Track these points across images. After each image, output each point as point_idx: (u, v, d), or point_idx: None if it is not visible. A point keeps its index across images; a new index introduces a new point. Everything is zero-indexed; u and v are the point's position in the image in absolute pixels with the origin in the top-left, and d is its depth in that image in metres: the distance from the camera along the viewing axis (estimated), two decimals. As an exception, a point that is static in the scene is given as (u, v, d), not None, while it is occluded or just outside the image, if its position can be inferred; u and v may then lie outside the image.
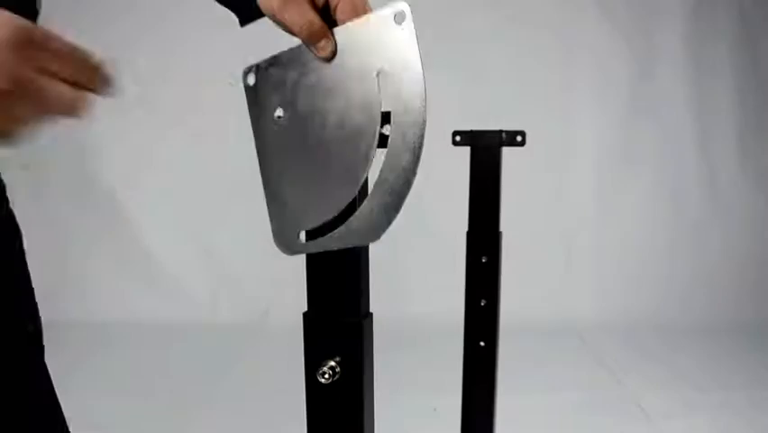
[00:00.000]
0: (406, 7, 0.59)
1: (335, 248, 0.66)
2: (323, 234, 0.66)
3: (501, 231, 1.26)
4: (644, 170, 3.34)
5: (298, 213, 0.67)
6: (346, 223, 0.64)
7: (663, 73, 3.31)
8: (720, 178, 3.37)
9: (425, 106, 0.58)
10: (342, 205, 0.64)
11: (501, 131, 1.24)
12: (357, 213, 0.63)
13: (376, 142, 0.62)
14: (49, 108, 0.47)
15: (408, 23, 0.59)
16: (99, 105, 0.52)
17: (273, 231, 0.69)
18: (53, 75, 0.46)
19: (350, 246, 0.65)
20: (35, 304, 0.79)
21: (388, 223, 0.62)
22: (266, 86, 0.67)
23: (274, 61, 0.67)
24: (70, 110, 0.48)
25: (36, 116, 0.48)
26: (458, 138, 1.27)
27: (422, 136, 0.59)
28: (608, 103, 3.32)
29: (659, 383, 2.42)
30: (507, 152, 1.26)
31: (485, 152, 1.24)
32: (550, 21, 3.26)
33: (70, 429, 0.84)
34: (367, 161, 0.62)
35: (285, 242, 0.69)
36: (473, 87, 3.19)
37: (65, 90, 0.47)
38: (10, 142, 0.48)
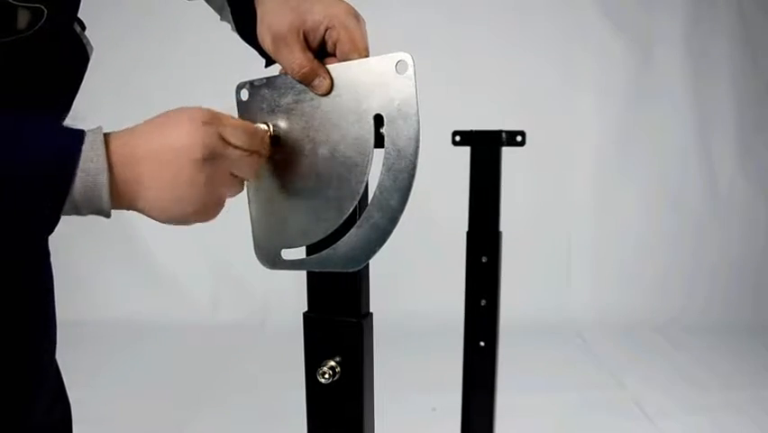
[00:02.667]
0: (408, 58, 0.60)
1: (316, 270, 0.67)
2: (305, 255, 0.67)
3: (501, 231, 1.26)
4: (644, 169, 3.34)
5: (282, 232, 0.68)
6: (329, 249, 0.65)
7: (663, 73, 3.31)
8: (720, 177, 3.37)
9: (417, 153, 0.60)
10: (327, 231, 0.65)
11: (501, 131, 1.24)
12: (340, 242, 0.64)
13: (366, 178, 0.62)
14: (239, 170, 0.58)
15: (410, 74, 0.60)
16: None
17: (255, 244, 0.70)
18: (234, 145, 0.57)
19: (329, 271, 0.66)
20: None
21: (370, 255, 0.63)
22: (258, 104, 0.68)
23: (268, 83, 0.68)
24: (251, 171, 0.60)
25: (229, 184, 0.58)
26: (458, 138, 1.27)
27: (412, 179, 0.60)
28: (607, 102, 3.32)
29: (659, 383, 2.42)
30: (506, 152, 1.26)
31: (485, 152, 1.24)
32: (550, 20, 3.26)
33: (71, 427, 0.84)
34: (356, 194, 0.63)
35: (266, 257, 0.69)
36: (473, 87, 3.19)
37: (245, 155, 0.58)
38: (211, 216, 0.58)
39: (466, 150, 1.26)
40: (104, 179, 0.51)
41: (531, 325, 2.92)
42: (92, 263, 3.25)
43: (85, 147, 0.50)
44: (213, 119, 0.56)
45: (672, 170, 3.34)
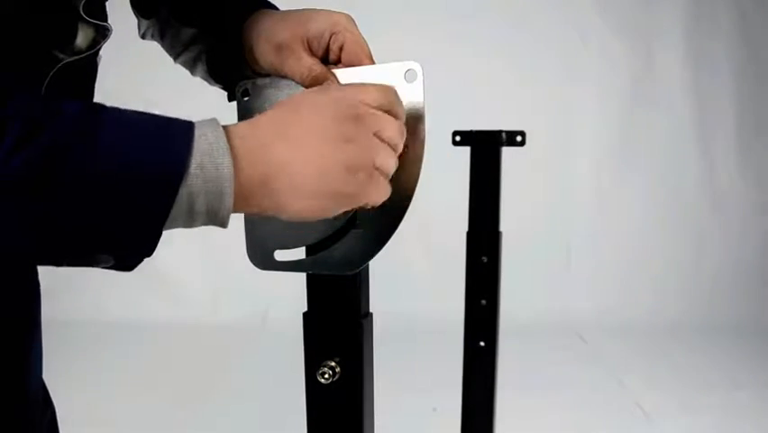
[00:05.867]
0: (418, 67, 0.59)
1: (310, 272, 0.67)
2: (300, 256, 0.66)
3: (501, 231, 1.26)
4: (644, 170, 3.34)
5: (276, 233, 0.66)
6: (326, 251, 0.64)
7: (663, 73, 3.31)
8: (720, 177, 3.37)
9: (422, 161, 0.59)
10: (325, 233, 0.64)
11: (501, 131, 1.24)
12: (337, 245, 0.63)
13: None
14: (386, 131, 0.51)
15: (418, 83, 0.59)
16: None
17: (247, 244, 0.68)
18: (374, 106, 0.51)
19: (324, 273, 0.65)
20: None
21: (368, 258, 0.62)
22: (261, 104, 0.67)
23: (272, 83, 0.67)
24: (397, 132, 0.52)
25: (379, 148, 0.50)
26: (458, 138, 1.27)
27: (414, 188, 0.59)
28: (607, 102, 3.32)
29: (659, 383, 2.42)
30: (506, 152, 1.26)
31: (485, 151, 1.24)
32: (550, 20, 3.26)
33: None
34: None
35: (258, 257, 0.68)
36: (473, 87, 3.19)
37: (387, 115, 0.52)
38: (366, 193, 0.50)
39: (466, 150, 1.26)
40: (224, 152, 0.43)
41: (531, 325, 2.92)
42: (92, 263, 3.26)
43: (197, 126, 0.44)
44: (344, 86, 0.53)
45: (671, 170, 3.34)
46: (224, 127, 0.45)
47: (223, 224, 0.46)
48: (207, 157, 0.43)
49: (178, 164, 0.42)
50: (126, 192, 0.40)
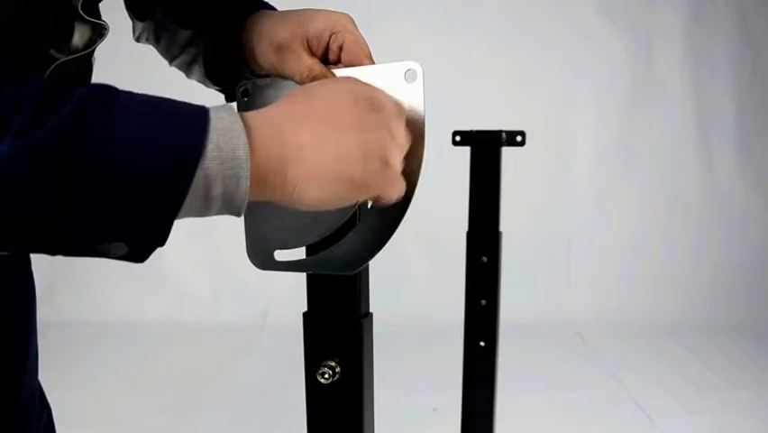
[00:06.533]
0: (417, 67, 0.59)
1: (310, 272, 0.67)
2: (301, 256, 0.66)
3: (501, 231, 1.26)
4: (644, 169, 3.34)
5: (277, 233, 0.67)
6: (326, 251, 0.64)
7: (663, 73, 3.31)
8: (720, 177, 3.37)
9: (421, 165, 0.59)
10: (324, 234, 0.64)
11: (501, 131, 1.24)
12: (337, 245, 0.63)
13: None
14: (396, 129, 0.52)
15: (419, 83, 0.59)
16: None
17: (247, 244, 0.68)
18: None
19: (324, 273, 0.65)
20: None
21: (368, 259, 0.62)
22: (261, 104, 0.67)
23: (272, 83, 0.67)
24: (404, 133, 0.53)
25: (391, 142, 0.51)
26: (458, 138, 1.27)
27: (414, 188, 0.59)
28: (607, 102, 3.32)
29: (659, 383, 2.41)
30: (506, 153, 1.26)
31: (485, 151, 1.24)
32: (549, 20, 3.26)
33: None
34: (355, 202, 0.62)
35: (258, 257, 0.68)
36: (473, 87, 3.19)
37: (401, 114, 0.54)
38: (381, 185, 0.50)
39: (466, 150, 1.26)
40: (240, 134, 0.42)
41: (531, 325, 2.92)
42: (92, 263, 3.25)
43: (212, 109, 0.43)
44: (358, 80, 0.55)
45: (671, 170, 3.34)
46: (239, 112, 0.45)
47: (239, 211, 0.44)
48: (224, 138, 0.41)
49: (195, 144, 0.40)
50: (141, 173, 0.39)
